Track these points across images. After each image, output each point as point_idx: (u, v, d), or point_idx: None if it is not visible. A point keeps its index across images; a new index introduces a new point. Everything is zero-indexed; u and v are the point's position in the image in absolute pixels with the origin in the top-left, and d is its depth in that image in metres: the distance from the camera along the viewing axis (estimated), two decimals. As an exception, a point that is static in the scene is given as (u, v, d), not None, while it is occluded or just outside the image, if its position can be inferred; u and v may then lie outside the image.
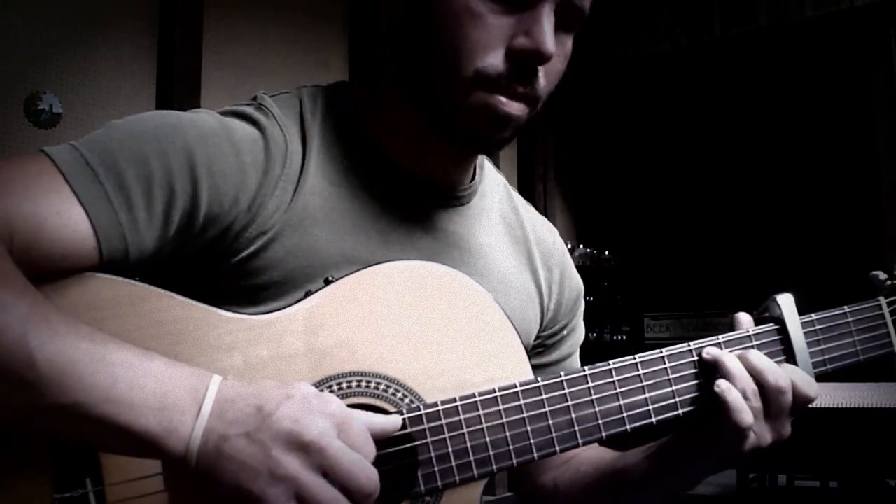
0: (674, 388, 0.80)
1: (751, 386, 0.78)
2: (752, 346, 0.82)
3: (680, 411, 0.80)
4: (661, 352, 0.80)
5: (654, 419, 0.79)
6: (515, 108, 0.78)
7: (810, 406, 0.81)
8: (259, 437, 0.62)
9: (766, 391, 0.78)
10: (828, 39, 5.42)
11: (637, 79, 6.43)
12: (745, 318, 0.85)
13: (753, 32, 5.31)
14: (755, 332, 0.83)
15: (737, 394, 0.77)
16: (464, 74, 0.76)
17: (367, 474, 0.64)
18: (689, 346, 0.81)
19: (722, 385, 0.77)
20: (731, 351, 0.81)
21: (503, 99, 0.77)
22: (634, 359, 0.79)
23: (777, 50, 5.73)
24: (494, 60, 0.75)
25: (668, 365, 0.80)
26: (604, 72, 5.92)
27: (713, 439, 0.80)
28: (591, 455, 0.96)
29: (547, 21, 0.75)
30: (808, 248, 6.22)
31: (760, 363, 0.79)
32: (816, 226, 6.34)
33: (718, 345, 0.81)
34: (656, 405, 0.79)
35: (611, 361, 0.78)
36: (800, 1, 5.09)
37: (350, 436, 0.64)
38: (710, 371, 0.80)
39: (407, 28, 0.80)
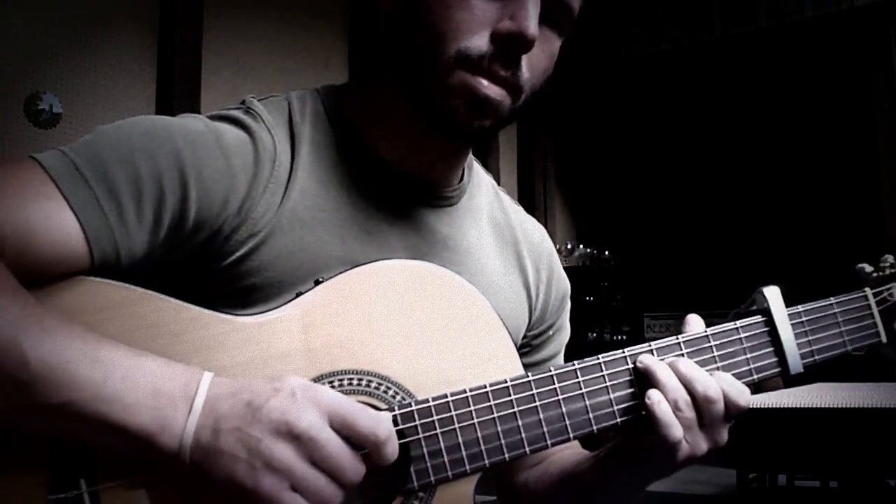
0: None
1: (683, 396, 0.75)
2: (740, 339, 0.82)
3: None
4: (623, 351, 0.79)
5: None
6: (495, 91, 0.78)
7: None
8: (250, 431, 0.63)
9: (696, 401, 0.76)
10: (828, 39, 5.43)
11: (637, 79, 6.43)
12: (695, 320, 0.83)
13: (753, 32, 5.31)
14: (742, 324, 0.82)
15: (666, 407, 0.75)
16: (447, 54, 0.77)
17: (353, 465, 0.65)
18: (624, 352, 0.79)
19: (653, 397, 0.75)
20: (662, 359, 0.78)
21: (484, 81, 0.77)
22: (624, 352, 0.79)
23: (777, 50, 5.74)
24: (479, 42, 0.76)
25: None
26: (604, 72, 5.94)
27: (650, 448, 0.78)
28: (563, 456, 0.95)
29: (532, 7, 0.76)
30: (808, 249, 6.22)
31: (690, 372, 0.76)
32: (817, 226, 6.34)
33: (651, 352, 0.79)
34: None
35: (600, 356, 0.78)
36: (800, 1, 5.09)
37: (346, 420, 0.65)
38: (643, 380, 0.78)
39: (402, 17, 0.81)
